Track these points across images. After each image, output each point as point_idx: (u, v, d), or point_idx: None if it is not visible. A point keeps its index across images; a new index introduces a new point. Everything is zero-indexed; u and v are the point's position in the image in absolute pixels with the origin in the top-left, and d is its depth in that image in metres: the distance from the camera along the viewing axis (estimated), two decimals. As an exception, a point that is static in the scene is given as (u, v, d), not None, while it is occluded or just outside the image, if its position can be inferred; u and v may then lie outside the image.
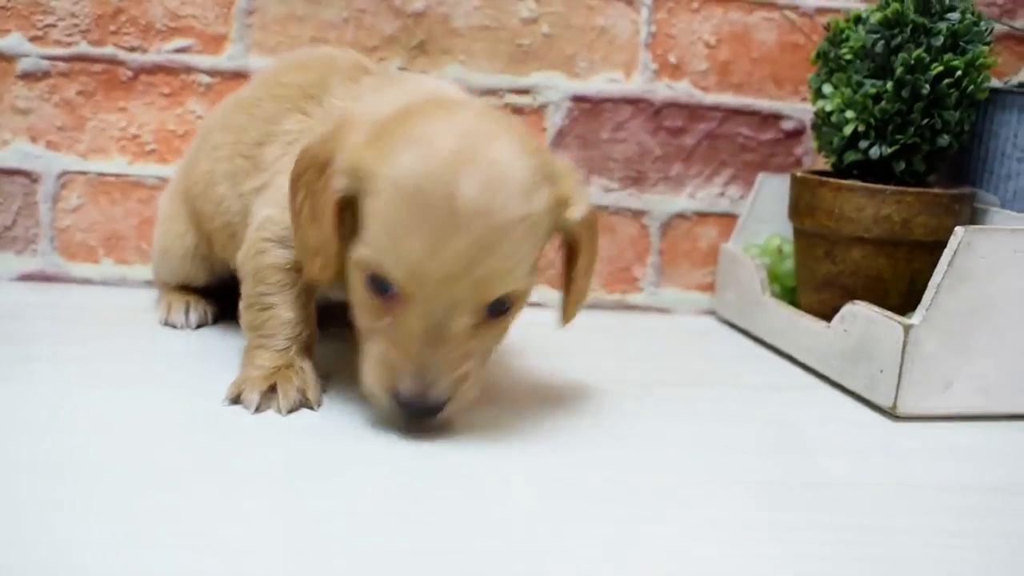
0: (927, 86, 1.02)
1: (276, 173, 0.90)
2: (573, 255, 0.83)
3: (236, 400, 0.83)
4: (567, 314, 0.87)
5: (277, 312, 0.87)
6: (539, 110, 1.25)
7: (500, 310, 0.78)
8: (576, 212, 0.80)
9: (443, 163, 0.72)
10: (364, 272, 0.76)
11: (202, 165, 1.00)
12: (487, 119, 0.78)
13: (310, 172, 0.79)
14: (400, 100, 0.82)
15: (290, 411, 0.82)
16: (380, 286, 0.75)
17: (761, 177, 1.26)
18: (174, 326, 1.06)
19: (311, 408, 0.84)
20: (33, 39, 1.16)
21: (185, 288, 1.10)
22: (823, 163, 1.19)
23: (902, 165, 1.06)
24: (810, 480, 0.79)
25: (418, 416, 0.77)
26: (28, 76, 1.16)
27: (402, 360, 0.75)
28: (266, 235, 0.88)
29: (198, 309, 1.07)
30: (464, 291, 0.74)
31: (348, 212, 0.77)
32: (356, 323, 0.80)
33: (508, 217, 0.73)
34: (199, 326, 1.07)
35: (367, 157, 0.75)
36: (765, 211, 1.27)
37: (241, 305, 0.89)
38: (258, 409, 0.82)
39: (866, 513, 0.73)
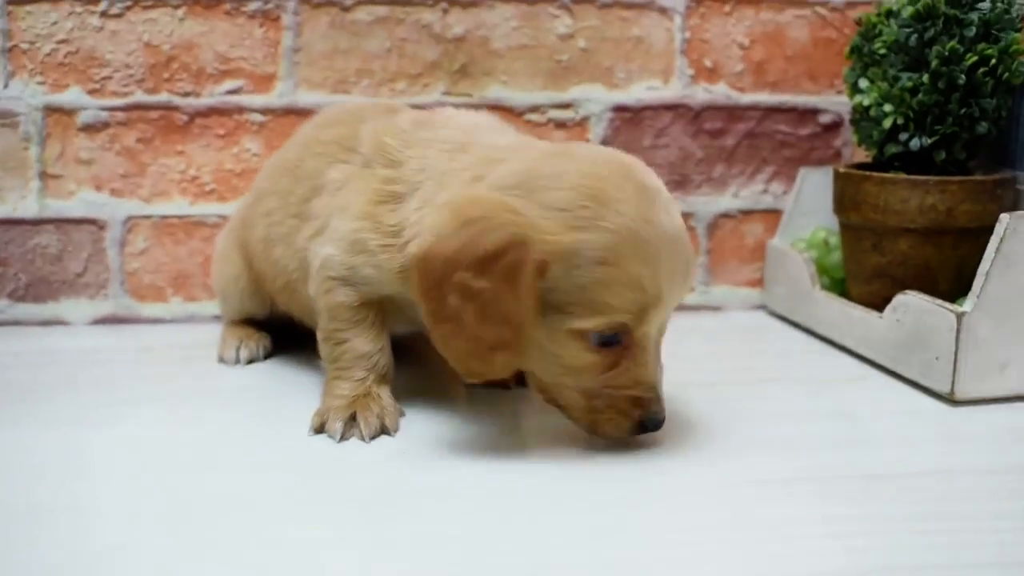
0: (962, 76, 1.05)
1: (329, 217, 0.93)
2: None
3: (320, 429, 0.87)
4: None
5: (352, 345, 0.91)
6: (582, 123, 1.28)
7: None
8: None
9: (635, 209, 0.79)
10: (591, 336, 0.79)
11: (258, 232, 1.04)
12: (615, 155, 0.84)
13: (461, 273, 0.77)
14: (492, 164, 0.84)
15: (372, 438, 0.86)
16: (609, 341, 0.80)
17: (803, 172, 1.29)
18: (225, 362, 1.10)
19: (389, 434, 0.88)
20: (91, 92, 1.20)
21: (246, 322, 1.14)
22: (863, 155, 1.21)
23: (943, 154, 1.08)
24: (874, 472, 0.82)
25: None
26: (88, 128, 1.21)
27: (646, 392, 0.82)
28: (331, 274, 0.91)
29: (248, 346, 1.11)
30: (671, 311, 0.84)
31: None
32: (543, 388, 0.84)
33: (685, 230, 0.83)
34: (250, 362, 1.10)
35: (561, 236, 0.77)
36: (808, 205, 1.29)
37: (319, 338, 0.93)
38: (343, 437, 0.86)
39: (928, 502, 0.76)
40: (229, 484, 0.78)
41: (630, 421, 0.82)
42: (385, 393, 0.91)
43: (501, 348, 0.79)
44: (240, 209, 1.13)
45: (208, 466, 0.81)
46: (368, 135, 0.93)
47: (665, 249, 0.79)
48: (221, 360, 1.10)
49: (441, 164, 0.88)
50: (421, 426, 0.90)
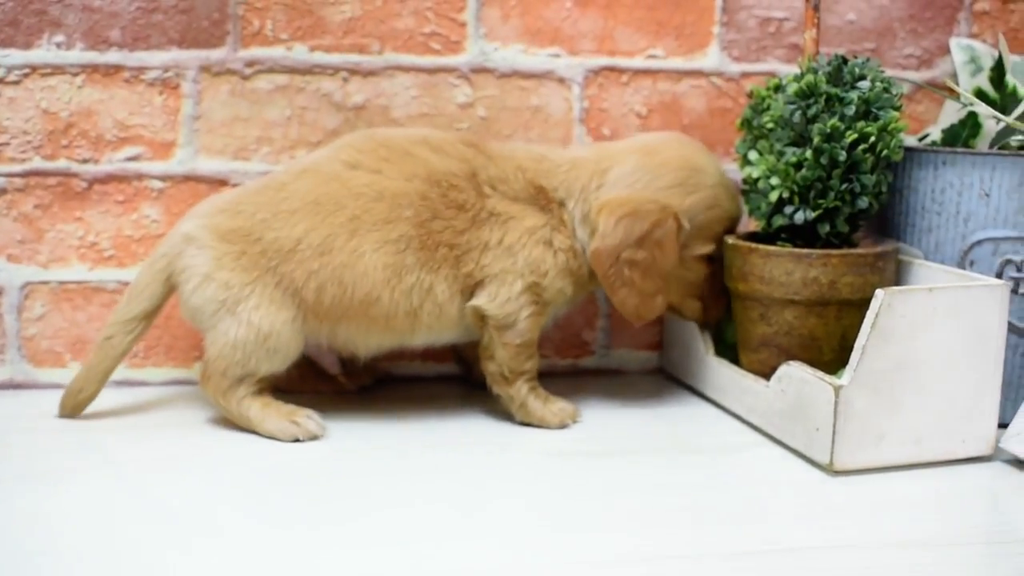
0: (843, 153, 1.08)
1: (522, 248, 1.12)
2: None
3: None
4: None
5: (536, 361, 1.15)
6: (481, 190, 1.29)
7: None
8: None
9: (716, 171, 1.19)
10: (705, 259, 1.18)
11: (368, 261, 1.09)
12: (678, 137, 1.22)
13: (627, 252, 1.10)
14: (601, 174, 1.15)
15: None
16: (712, 257, 1.18)
17: (700, 238, 1.31)
18: (316, 437, 1.09)
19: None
20: (-12, 158, 1.20)
21: (269, 387, 1.12)
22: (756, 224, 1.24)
23: (827, 227, 1.11)
24: (745, 548, 0.84)
25: None
26: (-15, 194, 1.21)
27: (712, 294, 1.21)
28: (534, 299, 1.12)
29: (311, 416, 1.10)
30: None
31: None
32: (673, 308, 1.21)
33: None
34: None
35: (682, 202, 1.14)
36: (706, 270, 1.32)
37: (508, 352, 1.12)
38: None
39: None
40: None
41: (722, 307, 1.22)
42: None
43: (659, 293, 1.14)
44: (278, 244, 1.09)
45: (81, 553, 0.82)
46: (496, 173, 1.14)
47: (731, 188, 1.19)
48: (306, 438, 1.08)
49: (576, 185, 1.15)
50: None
